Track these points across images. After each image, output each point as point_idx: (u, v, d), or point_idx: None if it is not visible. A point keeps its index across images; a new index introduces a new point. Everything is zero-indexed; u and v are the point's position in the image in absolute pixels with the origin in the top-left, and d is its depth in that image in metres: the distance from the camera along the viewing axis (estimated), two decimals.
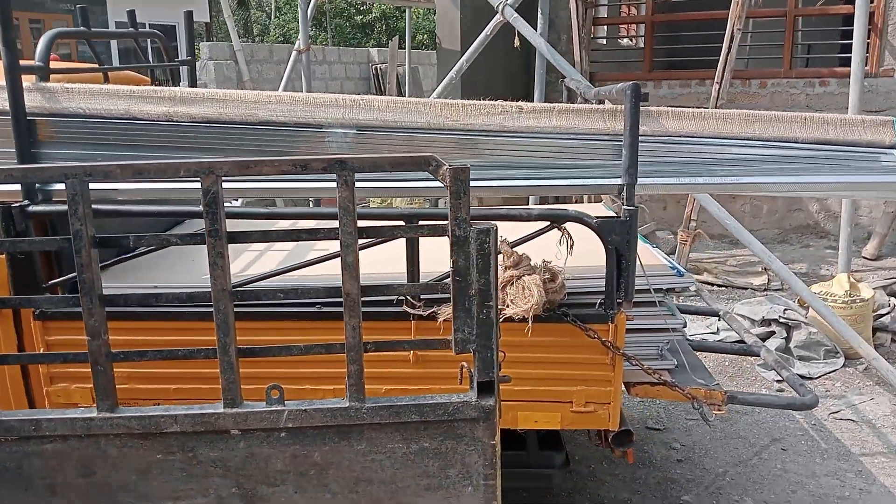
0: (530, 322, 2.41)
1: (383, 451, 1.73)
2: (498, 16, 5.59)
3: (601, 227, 2.46)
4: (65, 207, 2.51)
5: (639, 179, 2.49)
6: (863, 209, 7.36)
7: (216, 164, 1.56)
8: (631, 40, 11.96)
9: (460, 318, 1.66)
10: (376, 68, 12.46)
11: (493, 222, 1.64)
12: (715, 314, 3.79)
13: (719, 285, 6.64)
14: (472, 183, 2.64)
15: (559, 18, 8.09)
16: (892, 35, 7.15)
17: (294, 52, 6.76)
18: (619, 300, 2.52)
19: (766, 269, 6.46)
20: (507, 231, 2.62)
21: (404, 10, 20.67)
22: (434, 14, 8.48)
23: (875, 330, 5.21)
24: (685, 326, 2.79)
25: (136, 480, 1.74)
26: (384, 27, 24.24)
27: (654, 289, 2.68)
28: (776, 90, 7.54)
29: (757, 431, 4.12)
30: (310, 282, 2.39)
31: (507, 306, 2.49)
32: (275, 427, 1.71)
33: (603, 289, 2.51)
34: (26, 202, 2.46)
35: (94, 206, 2.52)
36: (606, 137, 2.60)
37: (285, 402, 1.72)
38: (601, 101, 3.11)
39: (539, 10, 6.49)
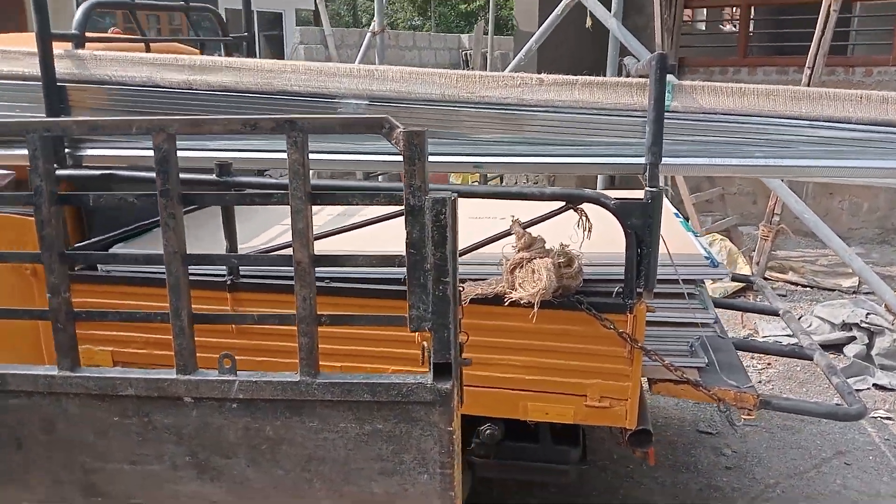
0: (536, 307, 2.27)
1: (335, 430, 1.65)
2: None
3: (619, 210, 2.29)
4: (93, 172, 2.60)
5: (665, 159, 2.30)
6: None
7: (167, 121, 1.51)
8: (734, 25, 11.33)
9: (415, 294, 1.55)
10: (466, 54, 12.37)
11: (452, 192, 1.52)
12: (774, 313, 3.49)
13: (805, 285, 6.19)
14: (494, 159, 2.59)
15: (649, 1, 7.74)
16: None
17: (368, 35, 6.77)
18: (638, 289, 2.34)
19: None
20: (525, 213, 2.48)
21: None
22: None
23: None
24: (716, 322, 2.57)
25: (95, 441, 1.74)
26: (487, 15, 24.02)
27: (682, 279, 2.48)
28: (883, 78, 6.94)
29: (820, 443, 3.79)
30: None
31: (515, 290, 2.36)
32: (226, 397, 1.66)
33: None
34: (55, 166, 2.52)
35: (117, 172, 2.57)
36: (636, 113, 2.42)
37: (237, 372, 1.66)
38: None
39: None
